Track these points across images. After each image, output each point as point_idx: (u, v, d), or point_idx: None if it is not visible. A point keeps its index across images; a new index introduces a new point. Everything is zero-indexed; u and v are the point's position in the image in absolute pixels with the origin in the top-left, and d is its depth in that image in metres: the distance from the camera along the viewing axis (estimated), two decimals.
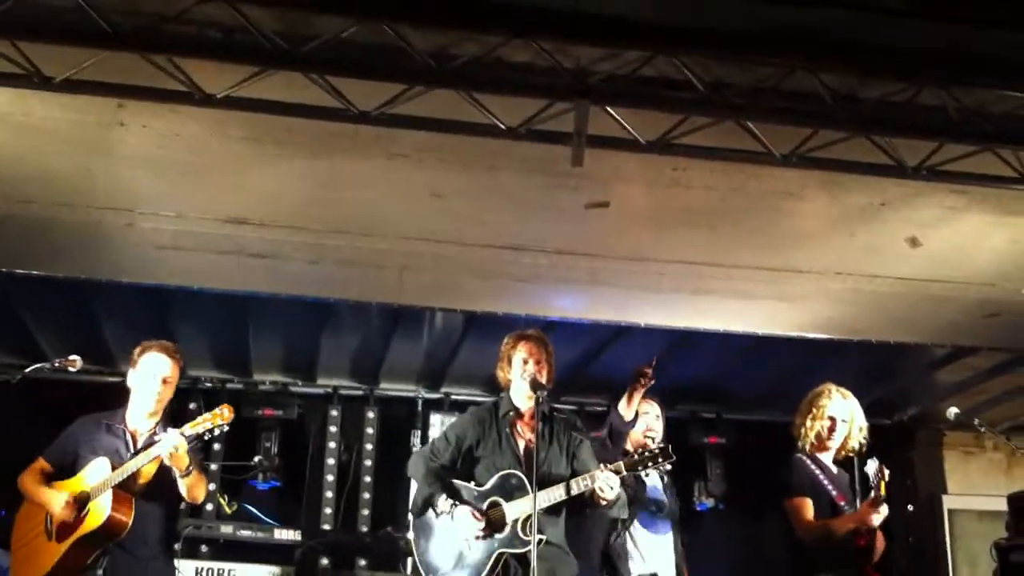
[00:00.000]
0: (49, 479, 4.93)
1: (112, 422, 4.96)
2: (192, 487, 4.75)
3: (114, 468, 4.70)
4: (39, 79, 4.56)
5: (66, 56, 4.56)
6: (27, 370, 5.21)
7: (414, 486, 7.95)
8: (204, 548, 7.71)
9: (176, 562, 7.08)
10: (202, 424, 4.65)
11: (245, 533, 7.71)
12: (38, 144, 5.34)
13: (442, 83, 4.69)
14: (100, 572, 4.68)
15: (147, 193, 5.79)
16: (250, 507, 8.24)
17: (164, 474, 4.72)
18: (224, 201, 5.85)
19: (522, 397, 4.96)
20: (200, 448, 4.95)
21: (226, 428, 4.71)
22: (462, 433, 5.01)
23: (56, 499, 4.77)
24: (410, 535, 7.53)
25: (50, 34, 4.46)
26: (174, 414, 4.89)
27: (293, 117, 4.90)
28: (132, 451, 4.84)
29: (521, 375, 4.94)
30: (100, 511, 4.62)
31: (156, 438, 4.83)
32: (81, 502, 4.70)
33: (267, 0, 4.45)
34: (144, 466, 4.70)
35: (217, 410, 4.69)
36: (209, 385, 8.76)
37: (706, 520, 9.30)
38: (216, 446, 8.56)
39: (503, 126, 4.87)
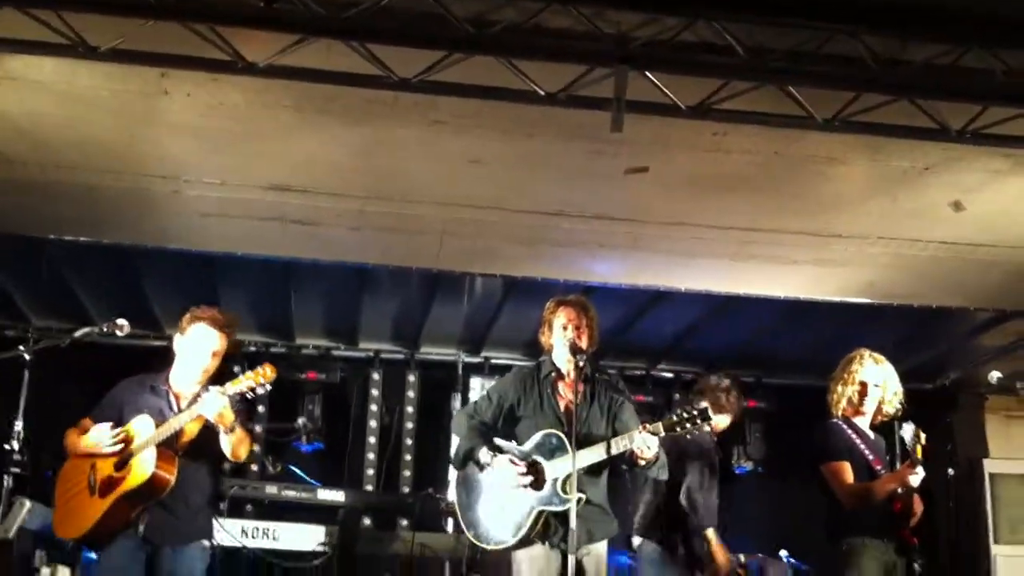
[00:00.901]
0: None
1: (156, 383, 4.96)
2: (237, 445, 4.75)
3: (158, 426, 4.70)
4: (84, 48, 4.58)
5: (110, 25, 4.58)
6: (76, 334, 5.26)
7: (455, 442, 8.16)
8: (249, 508, 7.82)
9: (221, 520, 7.28)
10: (244, 383, 4.63)
11: (289, 493, 7.78)
12: (83, 112, 5.38)
13: (481, 49, 4.67)
14: (141, 528, 4.68)
15: (191, 161, 5.85)
16: (294, 468, 8.34)
17: (207, 432, 4.71)
18: (267, 168, 5.90)
19: (563, 360, 4.98)
20: (243, 407, 4.93)
21: (268, 387, 4.65)
22: (504, 392, 5.06)
23: (92, 434, 4.76)
24: (451, 492, 7.72)
25: (94, 3, 4.48)
26: (217, 376, 4.85)
27: (334, 85, 4.91)
28: (176, 412, 4.84)
29: (562, 340, 4.97)
30: (144, 468, 4.61)
31: (199, 396, 4.85)
32: (124, 460, 4.70)
33: None
34: (188, 424, 4.70)
35: (259, 368, 4.65)
36: (253, 349, 8.88)
37: (744, 483, 9.32)
38: (260, 408, 8.71)
39: (542, 92, 4.86)
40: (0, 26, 4.54)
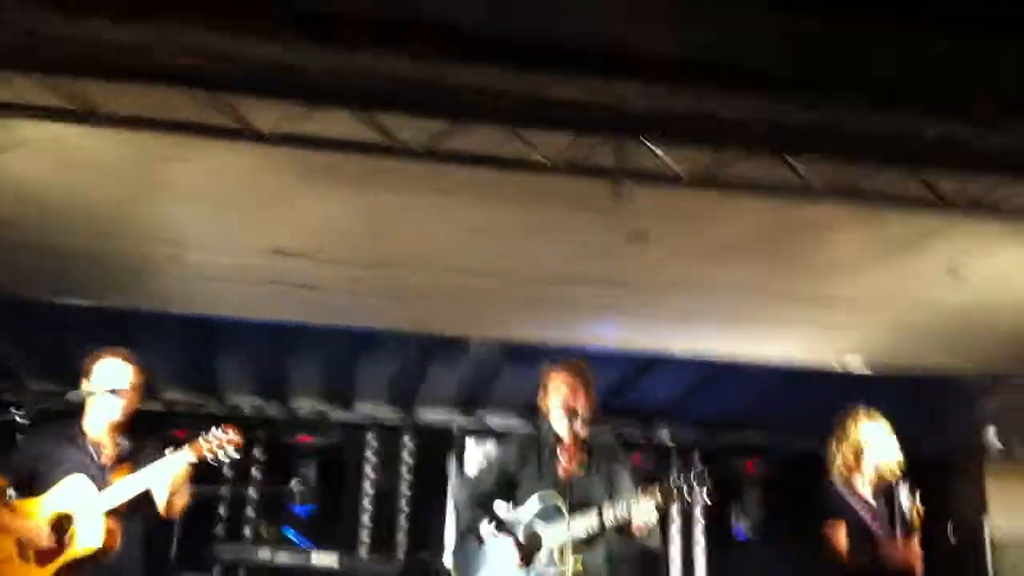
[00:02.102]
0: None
1: (72, 434, 4.80)
2: (177, 502, 4.65)
3: (98, 486, 4.56)
4: (93, 116, 4.62)
5: (112, 91, 4.62)
6: (70, 394, 5.03)
7: (450, 509, 8.10)
8: (242, 572, 7.76)
9: None
10: (206, 448, 4.55)
11: (283, 557, 7.74)
12: (84, 177, 5.38)
13: (486, 119, 4.72)
14: None
15: (193, 225, 5.85)
16: (288, 531, 8.28)
17: (145, 492, 4.60)
18: (269, 233, 5.90)
19: (562, 425, 4.97)
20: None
21: (234, 454, 4.58)
22: (504, 460, 5.09)
23: (24, 527, 4.56)
24: (448, 560, 7.66)
25: (98, 70, 4.50)
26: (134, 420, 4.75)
27: (340, 152, 4.94)
28: (99, 464, 4.71)
29: (559, 404, 4.96)
30: (92, 537, 4.48)
31: (120, 447, 4.77)
32: (61, 525, 4.54)
33: (313, 38, 4.49)
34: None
35: (221, 434, 4.58)
36: (248, 411, 8.87)
37: (744, 548, 9.27)
38: (254, 471, 8.67)
39: (546, 161, 4.91)
40: (9, 91, 4.57)
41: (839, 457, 5.47)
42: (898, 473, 5.38)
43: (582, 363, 5.17)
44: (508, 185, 5.26)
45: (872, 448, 5.43)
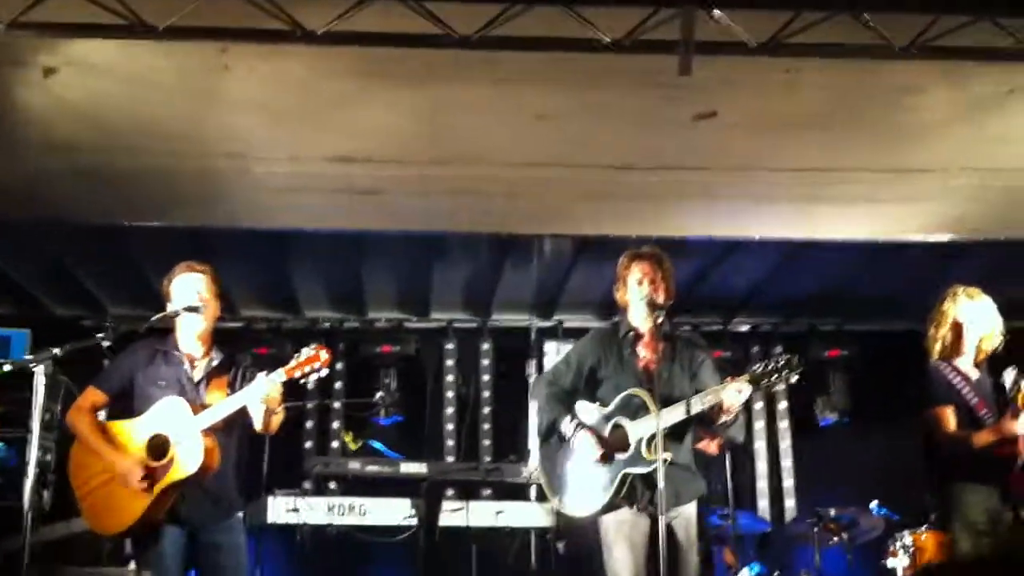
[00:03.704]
0: (108, 412, 4.81)
1: (167, 348, 4.79)
2: (272, 421, 4.65)
3: (192, 406, 4.57)
4: (142, 28, 4.57)
5: (166, 3, 4.57)
6: (153, 319, 5.15)
7: (533, 412, 8.10)
8: (333, 485, 7.88)
9: (309, 499, 7.33)
10: (298, 369, 4.52)
11: (372, 468, 7.84)
12: (147, 95, 5.38)
13: None
14: (184, 511, 4.58)
15: (256, 137, 5.83)
16: (374, 443, 8.37)
17: (241, 410, 4.60)
18: (331, 139, 5.86)
19: (640, 318, 4.84)
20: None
21: (324, 373, 4.56)
22: (583, 356, 4.93)
23: (121, 464, 4.57)
24: (533, 461, 7.68)
25: None
26: (288, 358, 4.68)
27: (394, 47, 4.84)
28: (192, 379, 4.73)
29: (638, 296, 4.82)
30: (192, 458, 4.49)
31: (213, 362, 4.77)
32: (159, 447, 4.56)
33: None
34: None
35: (312, 352, 4.54)
36: (327, 326, 8.94)
37: (829, 435, 9.16)
38: (338, 385, 8.75)
39: (607, 40, 4.74)
40: (57, 11, 4.53)
41: (940, 339, 5.27)
42: (1000, 349, 5.19)
43: (660, 252, 4.95)
44: (568, 69, 5.13)
45: (973, 326, 5.21)
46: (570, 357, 5.01)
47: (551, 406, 4.86)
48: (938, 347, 5.26)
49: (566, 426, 4.75)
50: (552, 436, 4.87)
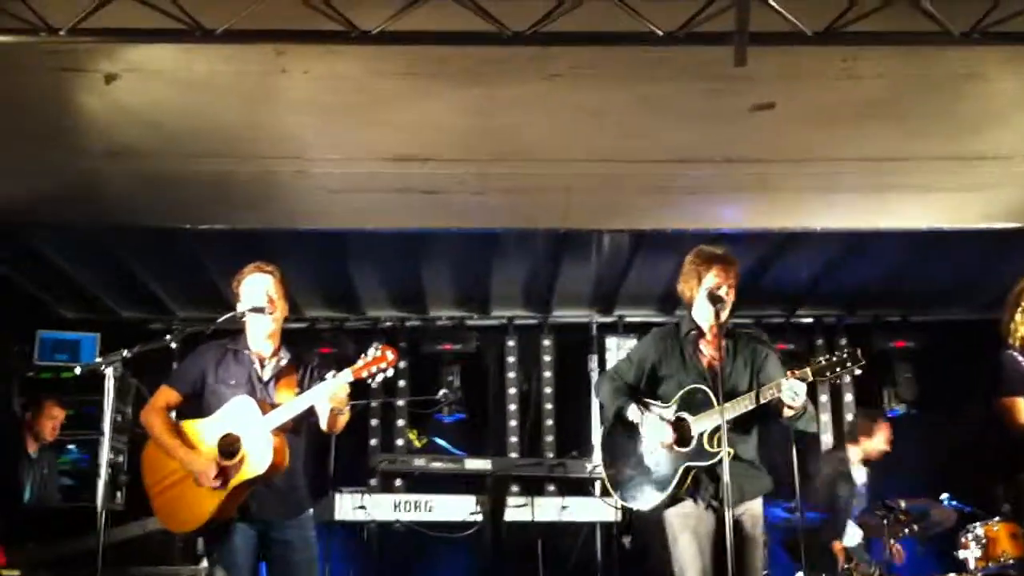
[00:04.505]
0: (178, 412, 4.82)
1: (237, 348, 4.86)
2: (338, 421, 4.68)
3: (260, 405, 4.61)
4: (200, 32, 4.63)
5: (222, 7, 4.62)
6: (219, 320, 5.18)
7: (595, 408, 8.10)
8: (399, 482, 7.95)
9: (375, 496, 7.39)
10: (364, 369, 4.54)
11: (437, 465, 7.88)
12: (204, 99, 5.46)
13: None
14: (254, 509, 4.64)
15: (313, 138, 5.89)
16: (438, 440, 8.43)
17: (309, 410, 4.66)
18: (387, 139, 5.91)
19: (704, 318, 4.83)
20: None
21: (391, 373, 4.55)
22: (645, 353, 4.94)
23: (195, 463, 4.62)
24: (597, 457, 7.68)
25: None
26: (352, 357, 4.71)
27: (447, 46, 4.86)
28: (262, 379, 4.78)
29: (705, 293, 4.77)
30: (262, 458, 4.54)
31: (282, 361, 4.82)
32: (230, 446, 4.60)
33: None
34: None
35: (378, 353, 4.55)
36: (389, 324, 9.02)
37: (897, 426, 9.02)
38: (401, 383, 8.82)
39: (660, 32, 4.71)
40: (116, 16, 4.59)
41: (1020, 327, 5.17)
42: None
43: (732, 256, 4.92)
44: (621, 63, 5.11)
45: None
46: (632, 355, 5.03)
47: (615, 398, 4.87)
48: (1019, 336, 5.16)
49: (633, 412, 4.76)
50: (617, 428, 4.88)
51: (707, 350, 4.80)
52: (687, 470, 4.63)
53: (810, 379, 4.53)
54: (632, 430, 4.80)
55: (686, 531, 4.64)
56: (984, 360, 5.28)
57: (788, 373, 4.56)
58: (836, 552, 7.11)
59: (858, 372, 4.58)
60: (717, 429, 4.48)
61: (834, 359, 4.57)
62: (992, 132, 5.97)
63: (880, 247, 7.53)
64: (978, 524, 6.16)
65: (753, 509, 4.73)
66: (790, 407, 4.54)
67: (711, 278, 4.78)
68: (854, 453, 7.50)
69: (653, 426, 4.72)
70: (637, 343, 5.17)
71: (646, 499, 4.74)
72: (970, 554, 6.11)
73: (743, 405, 4.59)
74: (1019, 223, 6.91)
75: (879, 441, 7.45)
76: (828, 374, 4.56)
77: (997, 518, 6.07)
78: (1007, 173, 6.35)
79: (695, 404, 4.69)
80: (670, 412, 4.73)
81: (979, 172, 6.33)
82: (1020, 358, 5.10)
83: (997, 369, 5.14)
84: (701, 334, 4.84)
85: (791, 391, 4.48)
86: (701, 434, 4.62)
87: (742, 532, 4.62)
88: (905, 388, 8.89)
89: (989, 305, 5.40)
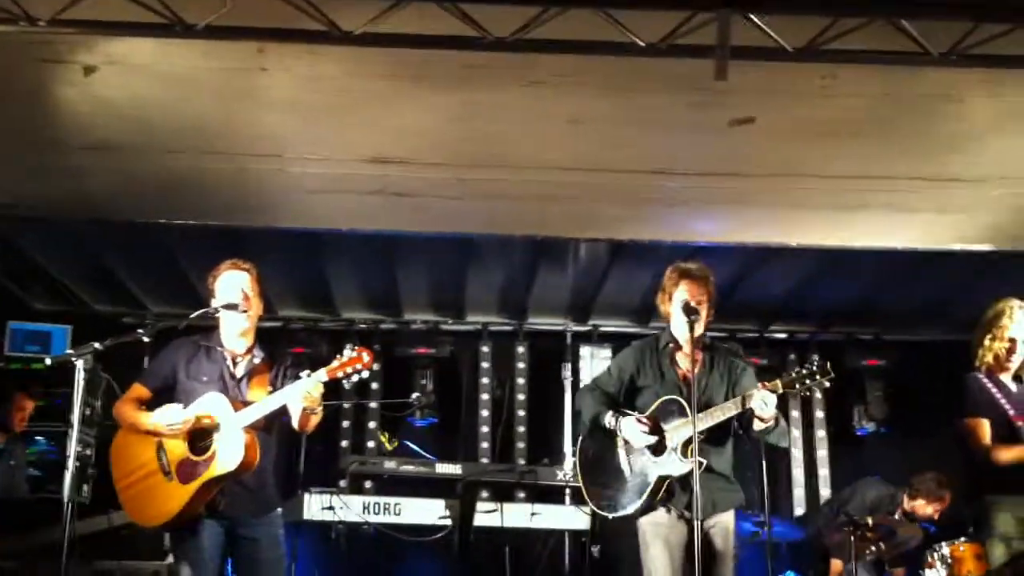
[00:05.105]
0: (150, 407, 4.76)
1: (210, 344, 4.87)
2: (313, 421, 4.69)
3: (232, 402, 4.62)
4: (181, 27, 4.61)
5: (205, 3, 4.60)
6: (192, 316, 5.02)
7: (568, 417, 8.11)
8: (368, 484, 7.92)
9: (344, 498, 7.36)
10: (340, 370, 4.53)
11: (408, 468, 7.87)
12: (183, 94, 5.43)
13: (577, 2, 4.56)
14: (222, 506, 4.64)
15: (292, 136, 5.87)
16: (409, 444, 8.42)
17: (281, 408, 4.65)
18: (366, 140, 5.90)
19: (680, 330, 4.89)
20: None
21: (366, 374, 4.55)
22: (623, 365, 5.05)
23: (165, 416, 4.62)
24: (569, 464, 7.71)
25: None
26: (325, 358, 4.71)
27: (429, 49, 4.85)
28: (235, 376, 4.79)
29: (681, 308, 4.84)
30: (233, 454, 4.54)
31: (255, 359, 4.83)
32: (201, 442, 4.62)
33: None
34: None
35: (354, 353, 4.55)
36: (363, 326, 9.00)
37: (867, 445, 9.09)
38: (374, 385, 8.79)
39: (642, 43, 4.72)
40: (97, 9, 4.57)
41: (990, 352, 5.20)
42: None
43: (706, 270, 5.03)
44: (603, 73, 5.12)
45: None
46: (612, 367, 5.14)
47: (593, 406, 4.97)
48: (989, 358, 5.20)
49: (609, 419, 4.85)
50: (594, 436, 4.98)
51: (684, 363, 4.88)
52: (661, 479, 4.72)
53: (780, 391, 4.63)
54: (608, 437, 4.89)
55: (658, 540, 4.72)
56: (954, 381, 5.32)
57: (759, 385, 4.65)
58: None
59: (827, 385, 4.70)
60: (691, 440, 4.55)
61: (804, 372, 4.70)
62: (967, 154, 6.01)
63: (855, 265, 7.57)
64: (944, 544, 6.21)
65: (725, 522, 4.82)
66: (761, 419, 4.63)
67: (683, 292, 4.88)
68: (906, 503, 7.45)
69: (630, 429, 4.78)
70: (617, 355, 5.22)
71: (621, 507, 4.82)
72: (935, 574, 6.15)
73: (716, 416, 4.67)
74: (993, 246, 6.96)
75: (933, 510, 7.34)
76: (798, 386, 4.67)
77: (963, 538, 6.11)
78: (982, 196, 6.39)
79: (669, 414, 4.78)
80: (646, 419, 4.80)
81: (954, 194, 6.38)
82: (986, 381, 5.16)
83: (963, 391, 5.19)
84: (678, 347, 4.93)
85: (761, 401, 4.57)
86: (675, 445, 4.70)
87: (713, 545, 4.73)
88: (876, 406, 8.95)
89: (962, 327, 5.43)
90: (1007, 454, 4.98)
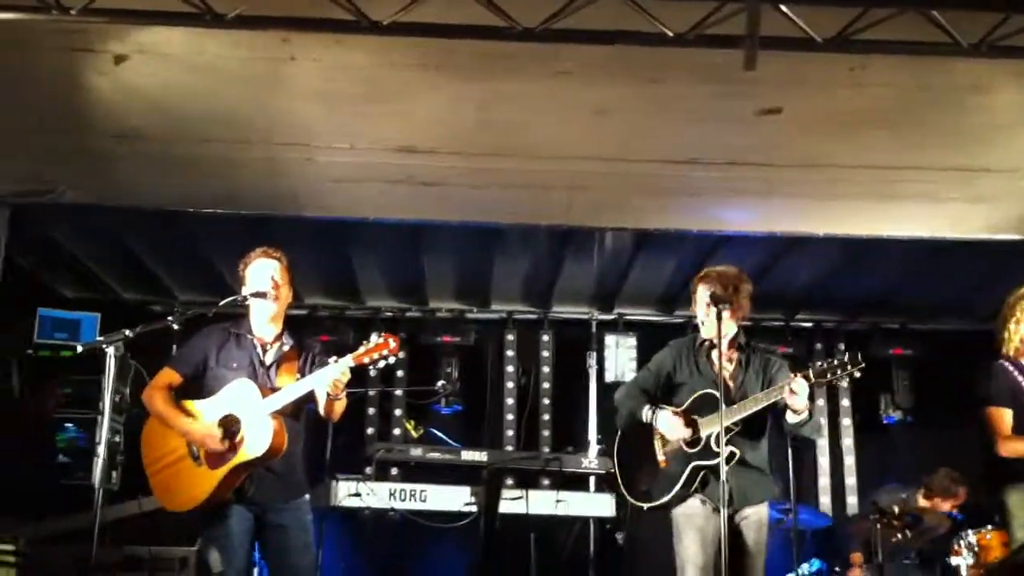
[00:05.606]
0: (179, 393, 4.87)
1: (240, 331, 4.92)
2: (336, 407, 4.73)
3: (262, 389, 4.67)
4: (211, 16, 4.62)
5: None
6: (221, 303, 5.10)
7: (593, 405, 8.12)
8: (394, 471, 7.98)
9: (370, 484, 7.42)
10: (367, 356, 4.57)
11: (434, 455, 7.94)
12: (213, 83, 5.44)
13: None
14: (251, 492, 4.70)
15: (320, 126, 5.88)
16: (435, 431, 8.46)
17: (308, 394, 4.71)
18: (393, 130, 5.90)
19: (710, 327, 4.94)
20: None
21: (392, 360, 4.59)
22: (661, 362, 5.20)
23: (198, 430, 4.72)
24: (593, 451, 7.73)
25: None
26: (352, 346, 4.72)
27: (457, 39, 4.84)
28: (263, 362, 4.85)
29: (704, 315, 4.97)
30: (261, 440, 4.58)
31: (284, 346, 4.89)
32: (230, 427, 4.66)
33: None
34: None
35: (381, 340, 4.58)
36: (389, 315, 9.03)
37: (893, 433, 9.07)
38: (399, 373, 8.83)
39: (671, 33, 4.71)
40: None
41: (1016, 337, 5.17)
42: None
43: (728, 271, 5.09)
44: (630, 62, 5.10)
45: None
46: (651, 364, 5.28)
47: (631, 400, 5.14)
48: (1013, 346, 5.18)
49: (646, 412, 5.00)
50: (631, 429, 5.13)
51: (720, 361, 4.93)
52: (695, 469, 4.86)
53: (812, 380, 4.68)
54: (645, 430, 5.05)
55: (691, 529, 4.85)
56: (980, 370, 5.30)
57: (790, 375, 4.74)
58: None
59: (858, 374, 4.72)
60: (725, 431, 4.66)
61: (835, 362, 4.73)
62: (996, 145, 5.96)
63: (882, 255, 7.53)
64: (971, 531, 6.20)
65: (758, 513, 4.94)
66: (794, 410, 4.71)
67: (703, 292, 5.00)
68: (921, 503, 7.45)
69: (666, 422, 4.92)
70: (657, 353, 5.31)
71: (655, 496, 4.97)
72: (963, 561, 6.15)
73: (748, 407, 4.79)
74: (1021, 235, 6.91)
75: (950, 506, 7.34)
76: (829, 376, 4.71)
77: (989, 526, 6.10)
78: (1011, 186, 6.34)
79: (704, 407, 4.92)
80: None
81: (983, 184, 6.33)
82: (1012, 369, 5.13)
83: (988, 379, 5.16)
84: (713, 345, 5.00)
85: (795, 389, 4.64)
86: (709, 435, 4.83)
87: (744, 537, 4.85)
88: (902, 395, 8.93)
89: (989, 316, 5.40)
90: (1014, 447, 4.97)
